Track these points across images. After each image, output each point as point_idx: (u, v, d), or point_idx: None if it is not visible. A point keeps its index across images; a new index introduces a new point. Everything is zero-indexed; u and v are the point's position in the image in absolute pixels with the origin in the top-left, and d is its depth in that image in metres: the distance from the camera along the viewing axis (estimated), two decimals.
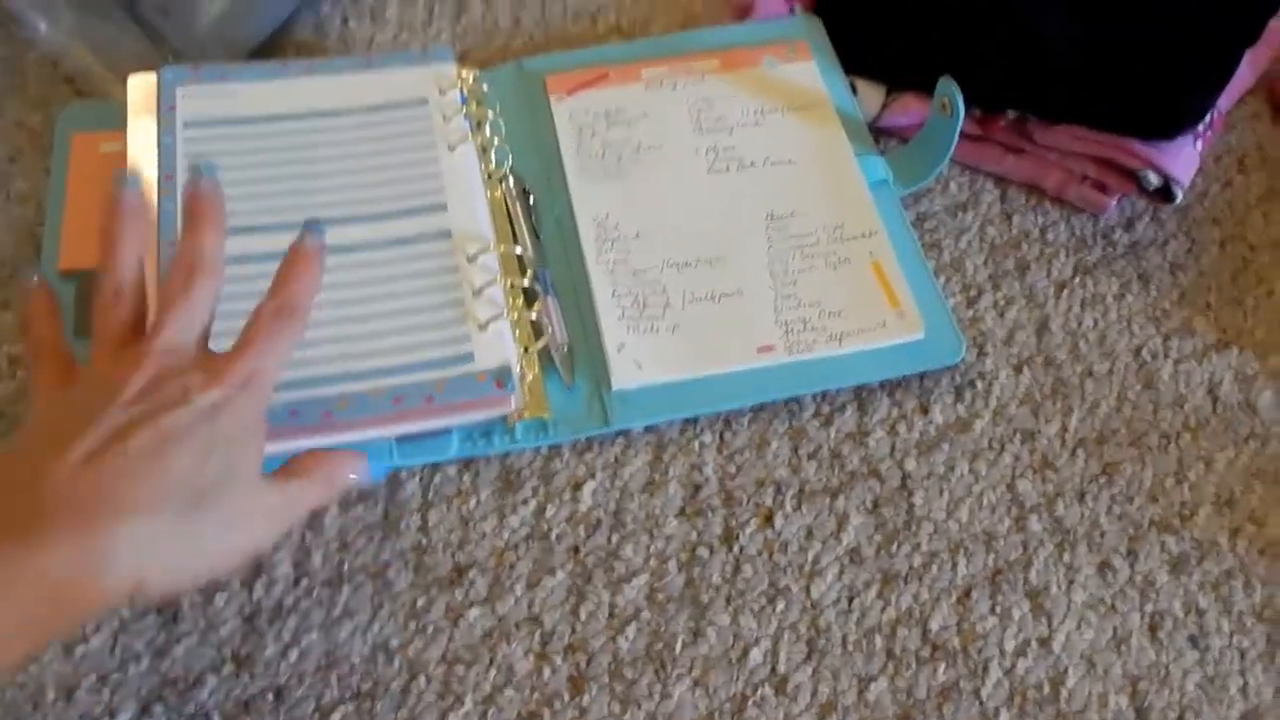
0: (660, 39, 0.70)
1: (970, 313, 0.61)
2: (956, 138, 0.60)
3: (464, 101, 0.63)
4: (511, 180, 0.62)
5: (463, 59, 0.69)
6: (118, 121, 0.59)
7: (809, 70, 0.67)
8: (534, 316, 0.56)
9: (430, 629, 0.50)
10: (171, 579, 0.39)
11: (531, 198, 0.62)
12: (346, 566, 0.51)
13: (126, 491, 0.38)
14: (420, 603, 0.51)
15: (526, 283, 0.58)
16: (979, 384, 0.58)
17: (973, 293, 0.62)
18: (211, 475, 0.40)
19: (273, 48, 0.68)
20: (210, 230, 0.45)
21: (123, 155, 0.58)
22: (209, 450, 0.40)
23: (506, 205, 0.61)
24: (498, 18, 0.72)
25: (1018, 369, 0.59)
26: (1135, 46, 0.63)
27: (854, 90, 0.67)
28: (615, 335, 0.57)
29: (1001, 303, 0.61)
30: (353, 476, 0.48)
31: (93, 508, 0.37)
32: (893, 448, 0.56)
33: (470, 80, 0.65)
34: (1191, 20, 0.64)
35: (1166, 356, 0.60)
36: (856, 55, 0.68)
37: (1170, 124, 0.60)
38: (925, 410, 0.57)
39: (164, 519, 0.38)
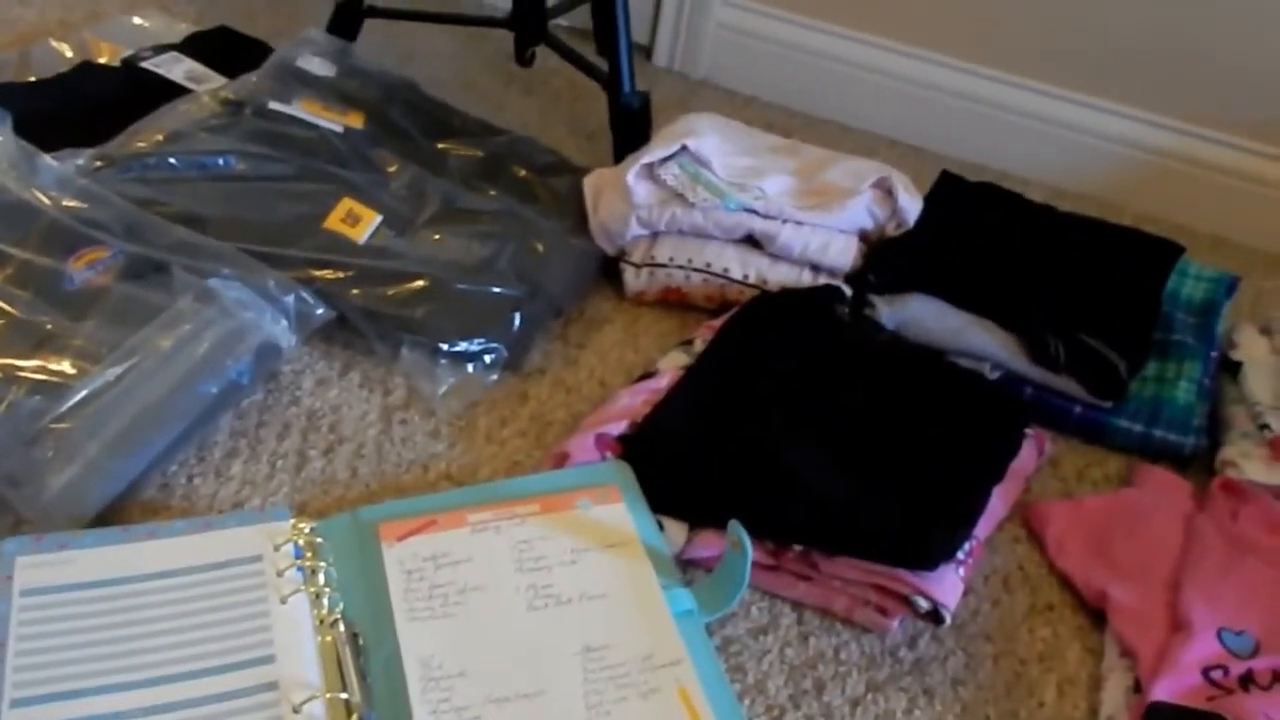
0: (485, 486, 0.81)
1: None
2: (749, 571, 0.71)
3: (298, 554, 0.71)
4: (342, 626, 0.69)
5: (302, 510, 0.78)
6: None
7: (619, 512, 0.78)
8: None
9: None
10: None
11: (360, 641, 0.69)
12: None
13: None
14: None
15: None
16: None
17: (775, 713, 0.70)
18: None
19: (119, 509, 0.76)
20: None
21: None
22: None
23: (337, 649, 0.67)
24: (336, 470, 0.82)
25: None
26: (891, 494, 0.77)
27: (661, 527, 0.78)
28: None
29: None
30: None
31: None
32: None
33: (305, 532, 0.73)
34: (940, 469, 0.79)
35: None
36: (661, 497, 0.80)
37: (927, 557, 0.73)
38: None
39: None
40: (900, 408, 0.88)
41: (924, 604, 0.73)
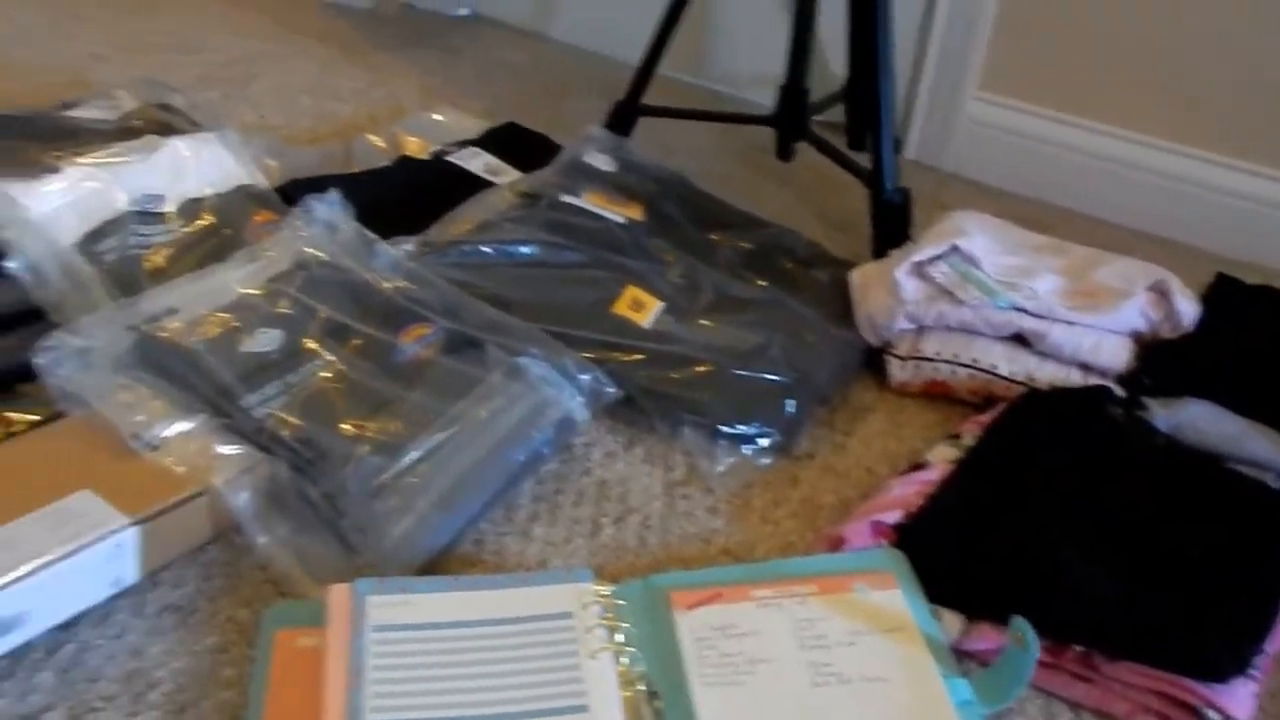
0: (766, 564, 0.86)
1: None
2: (1031, 669, 0.73)
3: (602, 614, 0.77)
4: (642, 684, 0.74)
5: (598, 572, 0.85)
6: (314, 619, 0.74)
7: (895, 598, 0.81)
8: None
9: None
10: None
11: (659, 700, 0.74)
12: None
13: None
14: None
15: None
16: None
17: None
18: None
19: (442, 559, 0.84)
20: None
21: (317, 649, 0.72)
22: None
23: (638, 706, 0.73)
24: (625, 538, 0.89)
25: None
26: (1172, 599, 0.77)
27: (936, 616, 0.81)
28: None
29: None
30: None
31: None
32: None
33: (606, 594, 0.80)
34: (1222, 576, 0.79)
35: None
36: (937, 587, 0.82)
37: (1221, 667, 0.72)
38: None
39: None
40: (1178, 511, 0.87)
41: (1215, 717, 0.73)
